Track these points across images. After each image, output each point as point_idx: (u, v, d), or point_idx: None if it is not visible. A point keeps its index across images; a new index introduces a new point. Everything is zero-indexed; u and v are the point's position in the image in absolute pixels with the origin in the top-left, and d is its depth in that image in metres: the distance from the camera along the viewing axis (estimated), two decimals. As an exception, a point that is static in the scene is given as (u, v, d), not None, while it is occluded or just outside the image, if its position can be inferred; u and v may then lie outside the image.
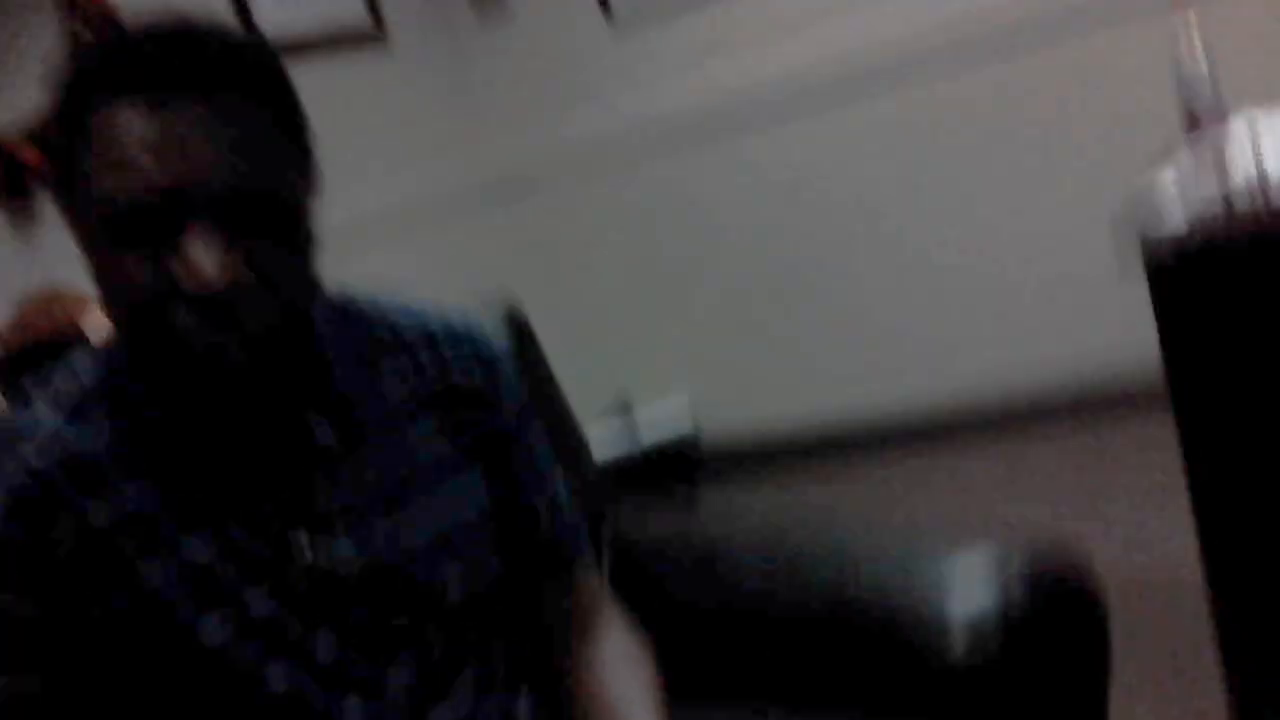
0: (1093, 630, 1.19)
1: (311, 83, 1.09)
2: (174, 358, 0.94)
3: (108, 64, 0.94)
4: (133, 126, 0.90)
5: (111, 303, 0.96)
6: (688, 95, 3.70)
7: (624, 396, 3.46)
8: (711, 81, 3.68)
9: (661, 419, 3.74)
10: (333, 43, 3.57)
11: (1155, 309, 1.66)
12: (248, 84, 0.94)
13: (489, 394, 1.16)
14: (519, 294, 1.64)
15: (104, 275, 0.95)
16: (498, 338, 1.21)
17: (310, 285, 1.02)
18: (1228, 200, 1.70)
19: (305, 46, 3.41)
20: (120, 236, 0.91)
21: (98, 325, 2.42)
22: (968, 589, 1.19)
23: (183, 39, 0.93)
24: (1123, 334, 3.11)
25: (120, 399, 1.01)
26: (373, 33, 3.81)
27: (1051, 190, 3.37)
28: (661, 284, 3.94)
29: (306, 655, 1.01)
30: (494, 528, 1.15)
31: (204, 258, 0.90)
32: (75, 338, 2.37)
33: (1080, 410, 3.36)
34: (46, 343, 2.34)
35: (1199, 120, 2.01)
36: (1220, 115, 2.01)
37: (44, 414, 1.00)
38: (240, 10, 3.37)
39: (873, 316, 3.72)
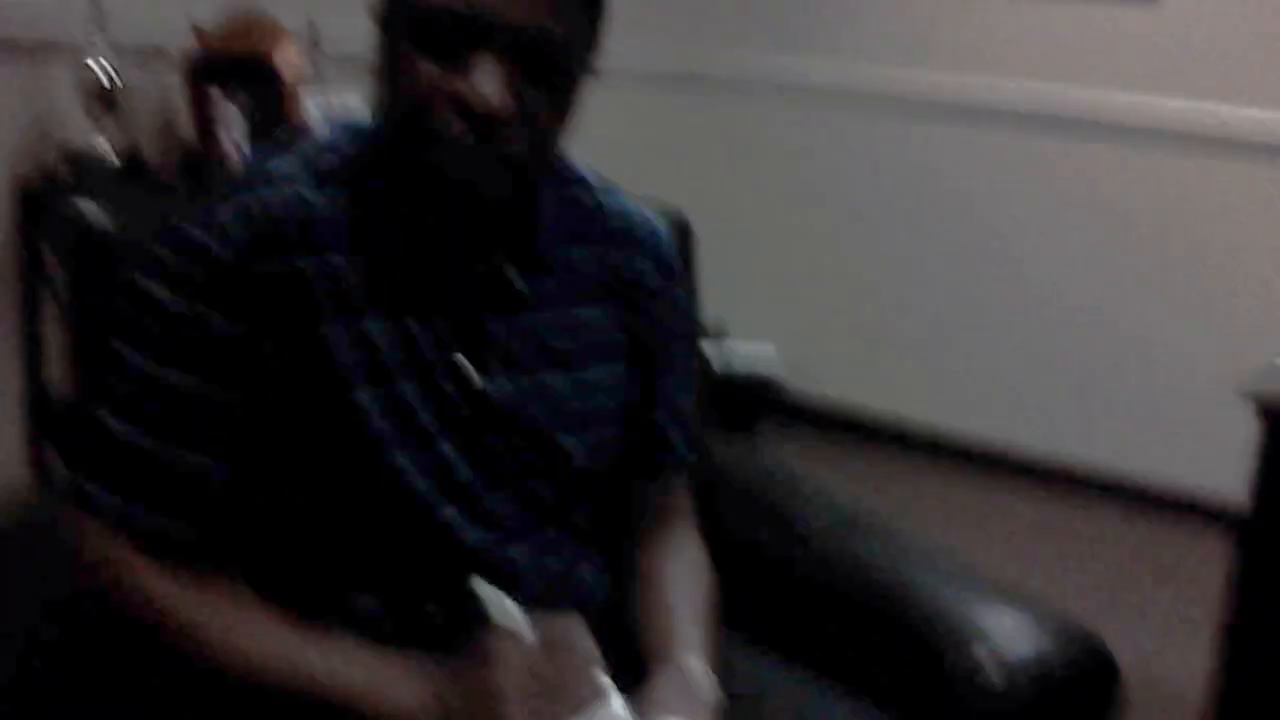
0: (1107, 697, 1.32)
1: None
2: (433, 156, 1.01)
3: None
4: None
5: (391, 96, 1.03)
6: (903, 73, 3.72)
7: (722, 323, 3.51)
8: (928, 69, 3.70)
9: (754, 355, 3.81)
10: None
11: (1262, 449, 1.79)
12: None
13: (663, 301, 1.24)
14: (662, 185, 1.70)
15: (391, 70, 1.02)
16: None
17: (558, 146, 1.09)
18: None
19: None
20: (421, 39, 0.99)
21: (288, 60, 2.50)
22: (1010, 636, 1.28)
23: None
24: (1201, 455, 3.33)
25: (360, 182, 1.09)
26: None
27: (1201, 304, 3.42)
28: (797, 234, 3.98)
29: (434, 453, 1.08)
30: (625, 419, 1.22)
31: (490, 81, 0.98)
32: (264, 63, 2.46)
33: (1138, 505, 3.48)
34: (238, 57, 2.43)
35: None
36: None
37: (294, 170, 1.09)
38: None
39: (979, 342, 3.78)
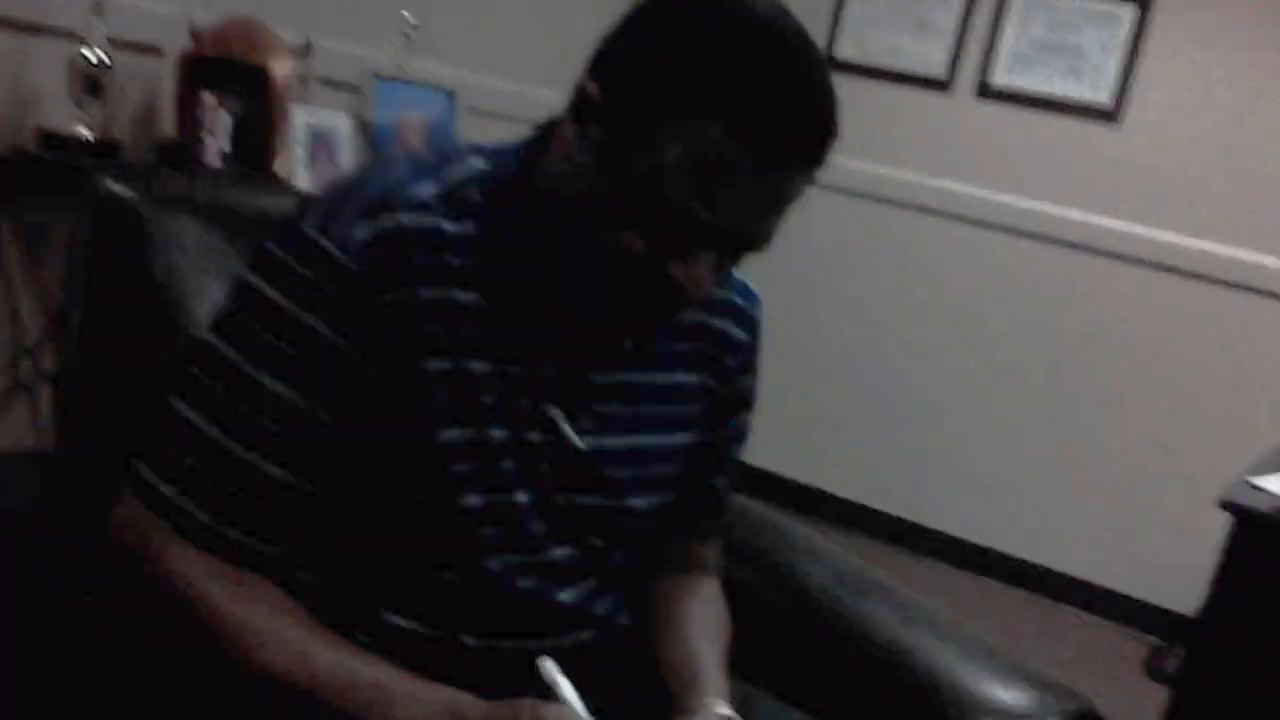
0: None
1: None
2: (614, 288, 1.00)
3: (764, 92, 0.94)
4: (743, 169, 0.94)
5: (583, 233, 0.99)
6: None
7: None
8: (900, 167, 3.78)
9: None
10: None
11: (1227, 551, 1.90)
12: (826, 163, 1.00)
13: (746, 353, 1.25)
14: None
15: (599, 223, 0.98)
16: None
17: None
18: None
19: None
20: (648, 230, 0.96)
21: (281, 71, 2.48)
22: (1015, 703, 1.31)
23: (828, 107, 0.97)
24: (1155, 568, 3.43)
25: (495, 220, 1.06)
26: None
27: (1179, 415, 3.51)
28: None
29: (509, 502, 1.07)
30: (686, 466, 1.23)
31: (708, 281, 0.99)
32: (258, 71, 2.44)
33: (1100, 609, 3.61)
34: (232, 62, 2.40)
35: None
36: None
37: (436, 197, 1.05)
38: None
39: (935, 433, 3.84)
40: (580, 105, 1.00)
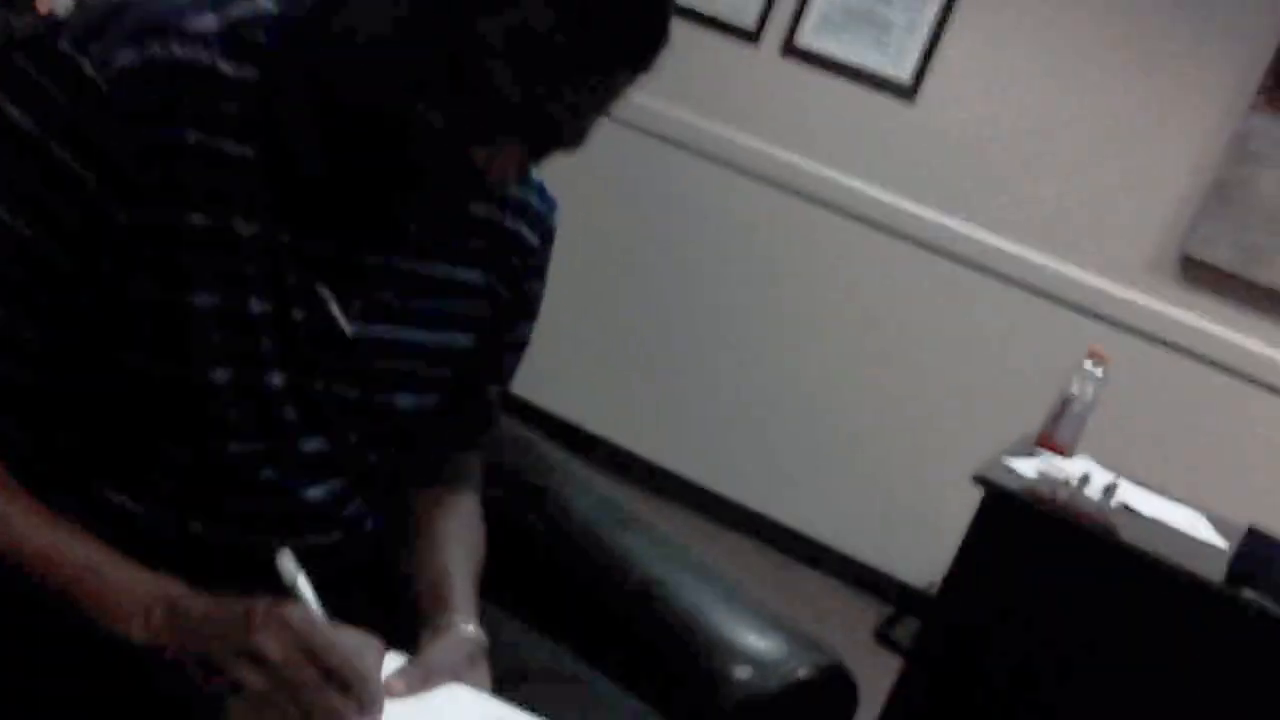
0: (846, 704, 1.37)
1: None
2: (411, 159, 0.92)
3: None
4: (567, 61, 0.88)
5: (380, 98, 0.90)
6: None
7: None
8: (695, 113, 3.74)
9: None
10: None
11: (974, 522, 1.98)
12: (652, 70, 0.94)
13: (537, 258, 1.17)
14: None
15: (400, 89, 0.89)
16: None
17: None
18: (1052, 481, 2.07)
19: None
20: (454, 105, 0.88)
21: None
22: (763, 645, 1.31)
23: (661, 11, 0.92)
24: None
25: (277, 72, 0.94)
26: None
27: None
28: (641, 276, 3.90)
29: (261, 382, 0.97)
30: (461, 369, 1.15)
31: (510, 172, 0.94)
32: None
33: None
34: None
35: (1056, 441, 2.29)
36: (1073, 448, 2.31)
37: (213, 32, 0.92)
38: None
39: (708, 385, 3.83)
40: None
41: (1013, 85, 3.45)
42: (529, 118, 0.89)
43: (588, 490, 1.48)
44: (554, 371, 3.74)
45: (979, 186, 3.49)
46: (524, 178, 1.13)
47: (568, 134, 0.93)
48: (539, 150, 0.95)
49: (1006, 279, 3.46)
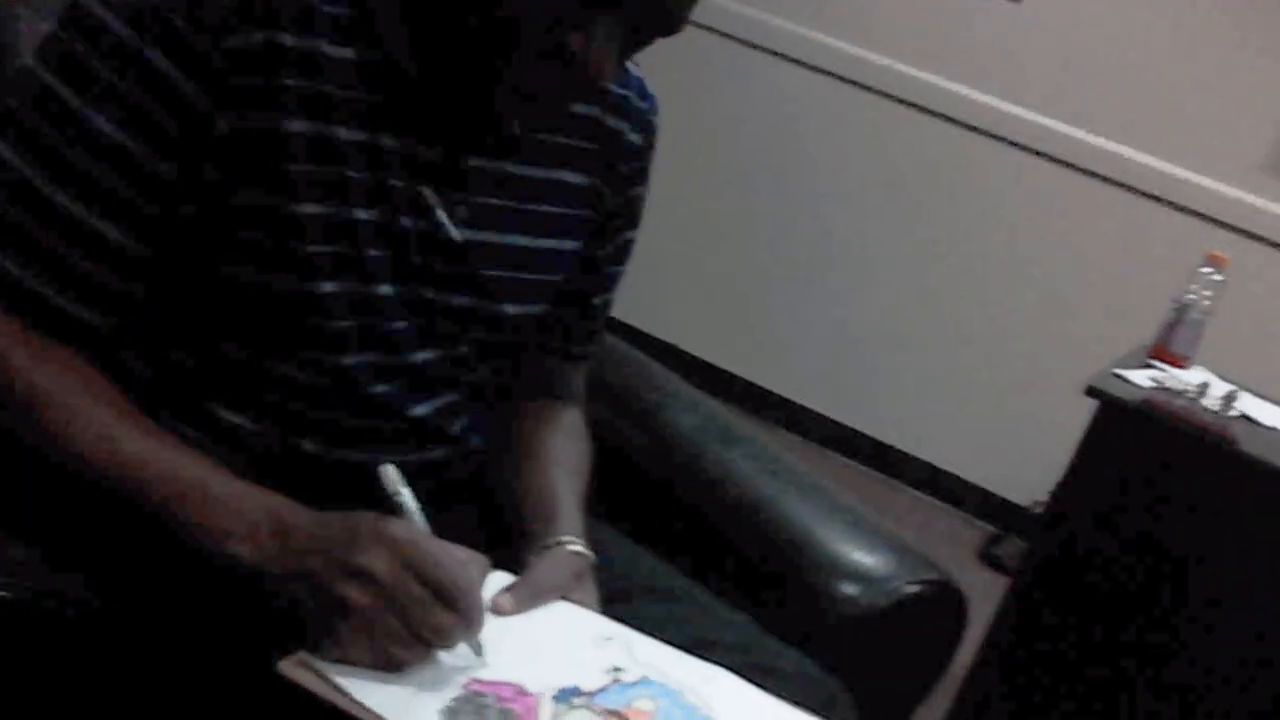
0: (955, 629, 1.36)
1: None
2: (503, 78, 0.90)
3: None
4: None
5: None
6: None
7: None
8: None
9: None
10: None
11: (1087, 436, 1.92)
12: None
13: (639, 159, 1.15)
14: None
15: None
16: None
17: None
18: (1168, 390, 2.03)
19: None
20: None
21: None
22: (871, 559, 1.29)
23: None
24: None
25: None
26: None
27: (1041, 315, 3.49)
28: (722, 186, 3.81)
29: (369, 292, 0.97)
30: (566, 276, 1.13)
31: (609, 61, 0.89)
32: None
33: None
34: None
35: (1171, 351, 2.20)
36: (1190, 358, 2.24)
37: None
38: None
39: (815, 314, 3.75)
40: None
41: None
42: None
43: (692, 407, 1.47)
44: (652, 291, 3.71)
45: (1087, 88, 3.35)
46: (623, 74, 1.11)
47: (662, 12, 0.90)
48: (637, 34, 0.92)
49: (1117, 183, 3.32)
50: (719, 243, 3.87)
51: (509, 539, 1.08)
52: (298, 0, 0.90)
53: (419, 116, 0.96)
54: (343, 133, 0.93)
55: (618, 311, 1.27)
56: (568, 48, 0.88)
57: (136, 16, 0.87)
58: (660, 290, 3.79)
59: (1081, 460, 1.89)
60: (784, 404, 3.80)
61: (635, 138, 1.13)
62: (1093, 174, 3.35)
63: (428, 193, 0.97)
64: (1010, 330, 3.51)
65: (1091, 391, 1.88)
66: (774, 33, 3.66)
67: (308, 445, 1.00)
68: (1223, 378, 2.21)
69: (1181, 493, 1.86)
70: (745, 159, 3.80)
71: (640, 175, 1.17)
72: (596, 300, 1.21)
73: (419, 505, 0.90)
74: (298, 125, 0.91)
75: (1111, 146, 3.32)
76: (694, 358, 3.87)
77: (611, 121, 1.11)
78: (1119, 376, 1.99)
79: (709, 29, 3.65)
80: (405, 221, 0.97)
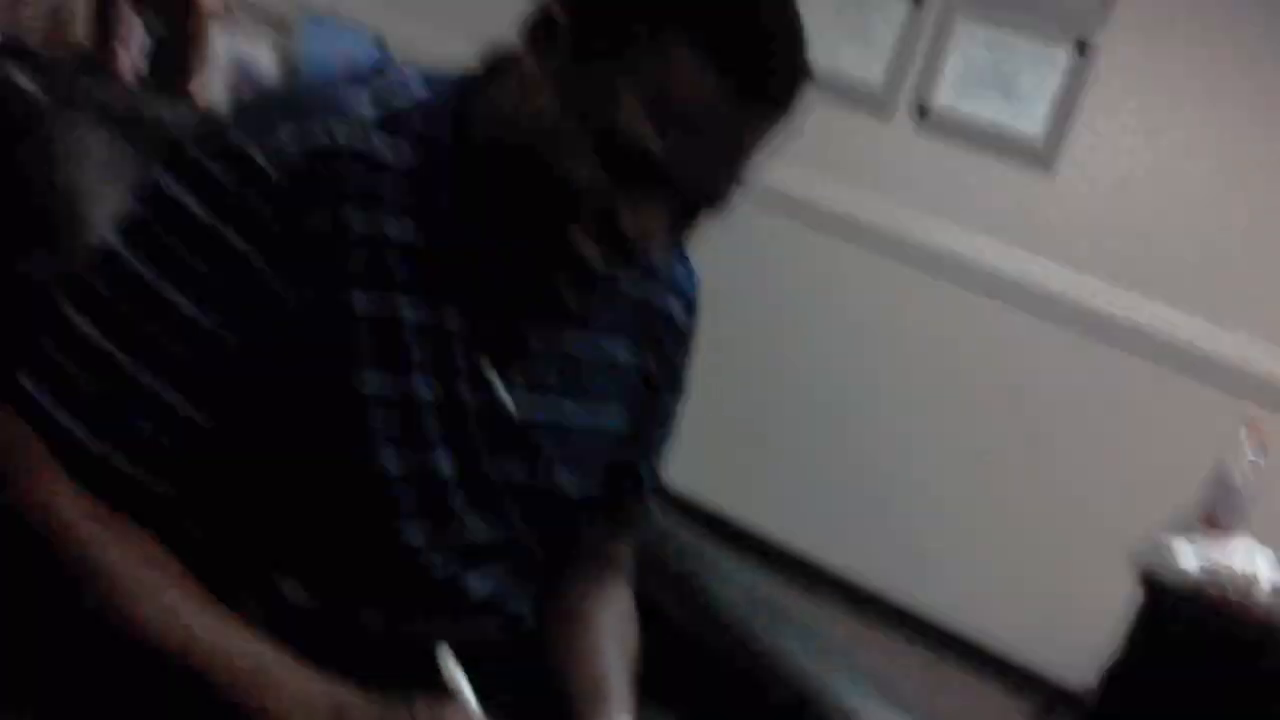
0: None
1: None
2: (537, 232, 0.91)
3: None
4: (705, 96, 0.87)
5: (532, 163, 0.90)
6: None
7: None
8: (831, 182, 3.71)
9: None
10: None
11: (1136, 621, 1.88)
12: (793, 111, 0.93)
13: (683, 332, 1.17)
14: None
15: (548, 137, 0.90)
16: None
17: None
18: (1218, 578, 1.99)
19: None
20: (609, 150, 0.88)
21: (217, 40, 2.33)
22: None
23: (800, 49, 0.91)
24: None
25: (435, 145, 0.97)
26: None
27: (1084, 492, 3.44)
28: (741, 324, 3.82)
29: (427, 463, 0.98)
30: (617, 448, 1.14)
31: (656, 225, 0.91)
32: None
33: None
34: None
35: (1216, 520, 2.16)
36: (1235, 527, 2.19)
37: (367, 109, 0.95)
38: None
39: (860, 477, 3.72)
40: (540, 30, 0.92)
41: (1154, 142, 3.33)
42: (671, 168, 0.88)
43: (738, 582, 1.45)
44: (689, 456, 3.70)
45: (1121, 251, 3.37)
46: (670, 248, 1.12)
47: (711, 189, 0.92)
48: (685, 213, 0.94)
49: (1157, 347, 3.30)
50: (757, 405, 3.87)
51: (560, 718, 1.07)
52: (364, 181, 0.93)
53: (478, 291, 0.98)
54: (405, 308, 0.95)
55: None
56: (619, 225, 0.90)
57: (212, 196, 0.90)
58: (695, 451, 3.78)
59: (1130, 644, 1.86)
60: (825, 574, 3.75)
61: (681, 313, 1.16)
62: (1134, 344, 3.34)
63: (486, 365, 0.99)
64: (1055, 499, 3.46)
65: (1139, 572, 1.86)
66: (811, 201, 3.72)
67: (363, 617, 0.99)
68: (1270, 546, 2.16)
69: (1235, 680, 1.82)
70: (784, 321, 3.83)
71: (684, 347, 1.18)
72: (644, 472, 1.22)
73: (472, 686, 0.90)
74: (361, 300, 0.93)
75: (1149, 308, 3.32)
76: (733, 521, 3.84)
77: (658, 298, 1.13)
78: (1166, 553, 1.96)
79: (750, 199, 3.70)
80: (464, 394, 0.98)
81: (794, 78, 0.90)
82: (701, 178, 0.91)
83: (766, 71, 0.89)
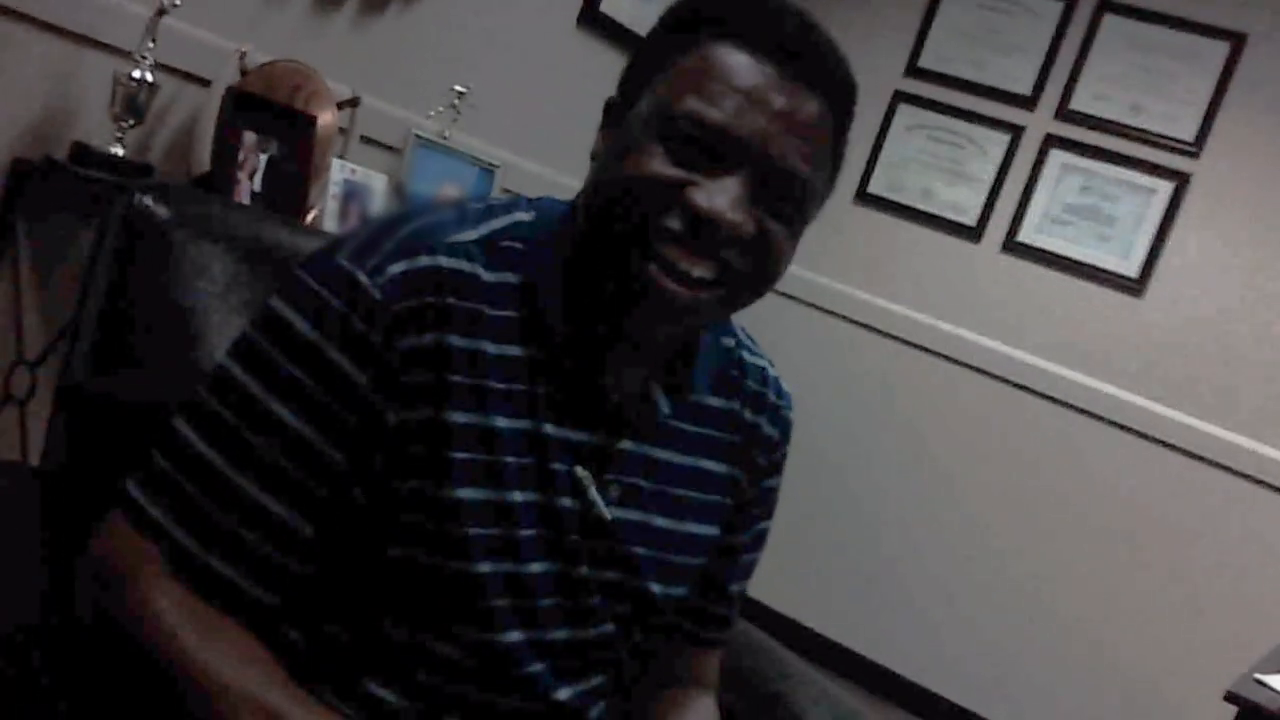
0: None
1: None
2: (626, 251, 0.96)
3: (742, 12, 0.98)
4: (744, 70, 0.94)
5: (607, 183, 0.98)
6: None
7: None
8: (923, 313, 3.75)
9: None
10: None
11: None
12: (839, 101, 0.99)
13: (775, 453, 1.21)
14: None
15: (616, 160, 0.97)
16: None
17: (775, 278, 1.02)
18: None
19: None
20: (669, 139, 0.94)
21: (326, 121, 2.45)
22: None
23: (817, 32, 0.98)
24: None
25: (535, 270, 1.02)
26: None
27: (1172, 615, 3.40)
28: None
29: (523, 571, 1.01)
30: (706, 561, 1.17)
31: (728, 197, 0.94)
32: (303, 116, 2.41)
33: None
34: (278, 104, 2.37)
35: None
36: None
37: (473, 243, 1.01)
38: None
39: (950, 600, 3.73)
40: (605, 117, 1.02)
41: (1245, 276, 3.35)
42: (728, 133, 0.93)
43: (819, 695, 1.45)
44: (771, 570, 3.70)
45: (1213, 382, 3.36)
46: (761, 377, 1.18)
47: (775, 160, 0.95)
48: (759, 181, 0.96)
49: (1249, 478, 3.29)
50: (845, 521, 3.88)
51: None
52: (468, 305, 0.98)
53: (576, 404, 1.02)
54: (502, 422, 0.99)
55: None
56: (693, 199, 0.94)
57: (320, 319, 0.94)
58: (779, 566, 3.79)
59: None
60: (909, 686, 3.71)
61: (772, 431, 1.19)
62: (1226, 468, 3.32)
63: (582, 473, 1.03)
64: (1147, 625, 3.41)
65: (1231, 698, 1.82)
66: (900, 321, 3.75)
67: None
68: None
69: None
70: (871, 439, 3.85)
71: (776, 467, 1.21)
72: (733, 587, 1.24)
73: None
74: (461, 417, 0.97)
75: (1244, 441, 3.31)
76: (816, 633, 3.82)
77: (750, 415, 1.17)
78: (1260, 683, 1.92)
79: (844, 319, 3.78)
80: (563, 502, 1.02)
81: (825, 58, 0.97)
82: (762, 141, 0.94)
83: (795, 53, 0.95)
